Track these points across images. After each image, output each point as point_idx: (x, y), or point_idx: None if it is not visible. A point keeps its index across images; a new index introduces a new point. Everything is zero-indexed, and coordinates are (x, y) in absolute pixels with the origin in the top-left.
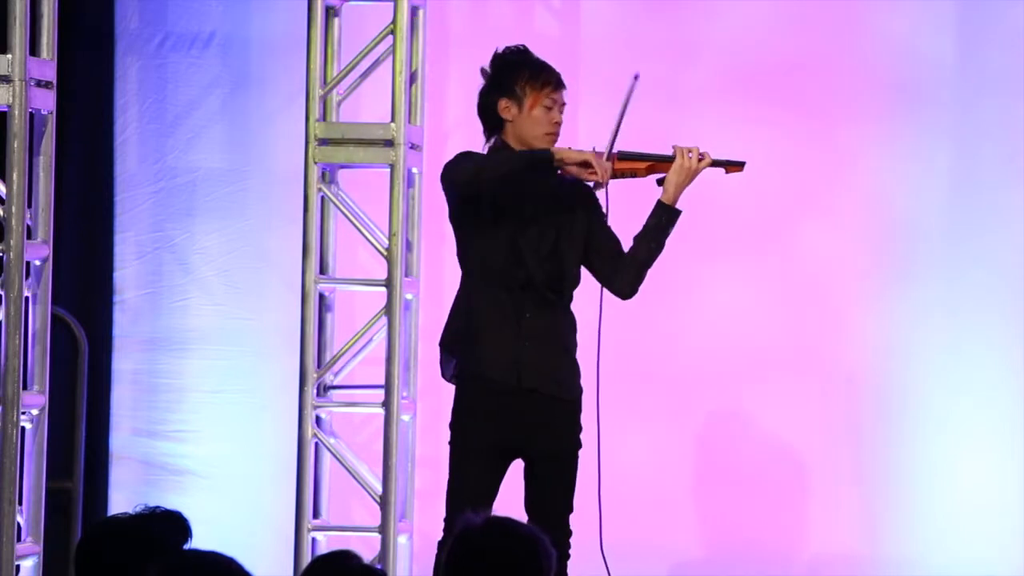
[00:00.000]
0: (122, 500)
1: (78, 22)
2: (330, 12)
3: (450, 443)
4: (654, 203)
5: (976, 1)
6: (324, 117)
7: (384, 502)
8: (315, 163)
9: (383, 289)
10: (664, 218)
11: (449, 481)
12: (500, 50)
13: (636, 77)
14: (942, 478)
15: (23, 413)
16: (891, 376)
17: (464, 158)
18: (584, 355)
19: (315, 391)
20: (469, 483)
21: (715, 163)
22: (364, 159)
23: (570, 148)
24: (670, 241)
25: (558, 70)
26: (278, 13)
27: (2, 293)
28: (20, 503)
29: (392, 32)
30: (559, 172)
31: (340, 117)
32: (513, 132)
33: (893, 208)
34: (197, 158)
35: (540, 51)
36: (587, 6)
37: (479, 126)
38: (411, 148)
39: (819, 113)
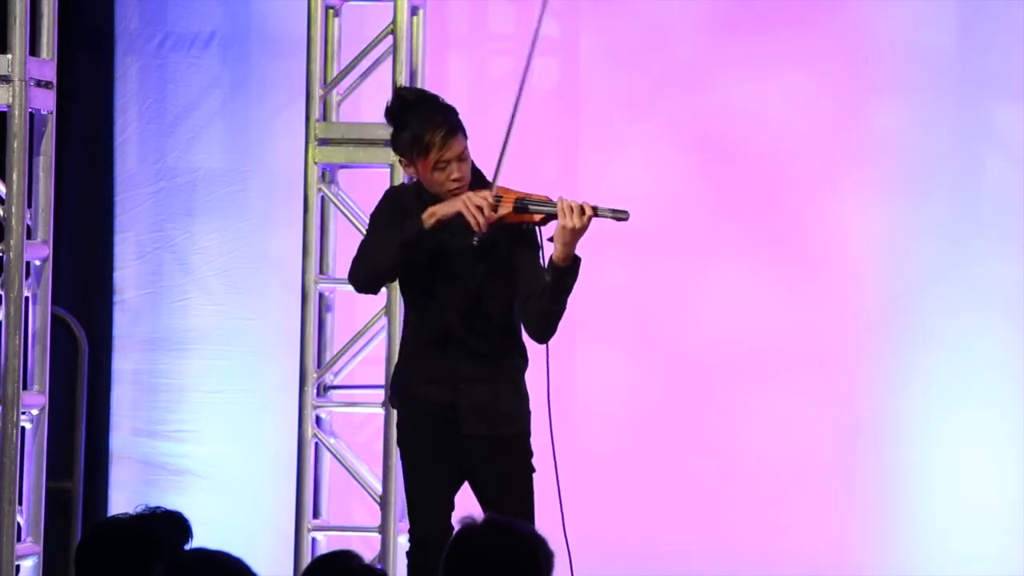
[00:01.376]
0: (122, 500)
1: (78, 22)
2: (330, 12)
3: (401, 458)
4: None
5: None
6: (324, 117)
7: (384, 502)
8: (315, 163)
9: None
10: (559, 278)
11: (405, 495)
12: (394, 93)
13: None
14: (942, 478)
15: (23, 413)
16: (891, 375)
17: (355, 260)
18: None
19: (315, 391)
20: (422, 498)
21: (598, 214)
22: (364, 159)
23: (464, 196)
24: (660, 240)
25: (446, 115)
26: (278, 13)
27: (2, 293)
28: (20, 503)
29: (392, 32)
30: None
31: (340, 117)
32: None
33: (893, 212)
34: (197, 158)
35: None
36: (587, 6)
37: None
38: None
39: (814, 108)
